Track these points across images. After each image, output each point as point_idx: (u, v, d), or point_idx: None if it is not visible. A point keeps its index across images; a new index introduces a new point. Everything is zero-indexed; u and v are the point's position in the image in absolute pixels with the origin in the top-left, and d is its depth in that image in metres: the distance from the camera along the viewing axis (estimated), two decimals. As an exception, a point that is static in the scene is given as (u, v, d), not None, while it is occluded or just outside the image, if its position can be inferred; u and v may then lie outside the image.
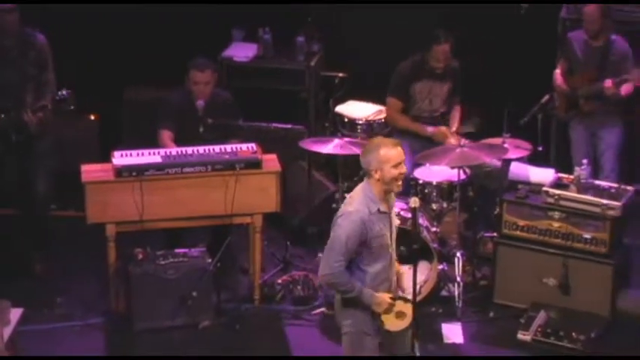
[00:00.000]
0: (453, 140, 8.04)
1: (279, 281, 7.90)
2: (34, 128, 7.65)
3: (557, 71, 8.39)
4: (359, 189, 5.85)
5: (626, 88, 8.01)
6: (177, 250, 7.55)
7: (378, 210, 5.75)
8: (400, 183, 5.78)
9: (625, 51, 8.14)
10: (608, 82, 8.00)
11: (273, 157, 7.72)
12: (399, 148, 5.74)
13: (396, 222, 6.00)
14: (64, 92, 7.57)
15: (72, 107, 7.62)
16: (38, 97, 7.72)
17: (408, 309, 5.91)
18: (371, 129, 8.67)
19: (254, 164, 7.51)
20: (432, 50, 8.12)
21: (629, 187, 7.60)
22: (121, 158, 7.42)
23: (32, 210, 8.01)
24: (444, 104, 8.36)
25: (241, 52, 9.30)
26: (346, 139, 8.04)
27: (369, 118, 8.73)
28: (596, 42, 8.20)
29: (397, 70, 8.29)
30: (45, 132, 7.78)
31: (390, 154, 5.70)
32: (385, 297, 5.85)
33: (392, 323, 5.93)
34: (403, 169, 5.75)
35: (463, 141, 7.80)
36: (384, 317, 5.90)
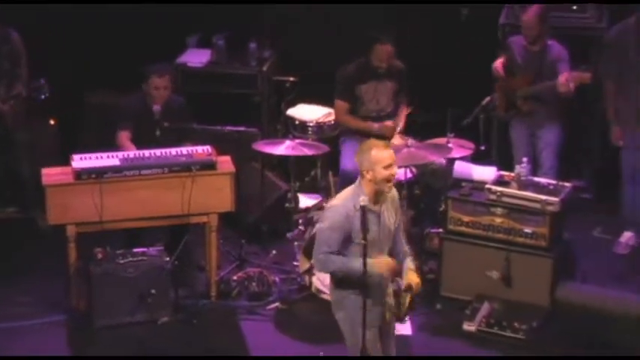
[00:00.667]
0: (398, 140, 8.11)
1: (235, 278, 7.94)
2: (9, 118, 7.79)
3: (499, 61, 8.46)
4: (351, 186, 5.95)
5: (573, 86, 8.07)
6: (136, 250, 7.59)
7: (357, 208, 5.80)
8: (391, 184, 5.85)
9: (561, 55, 8.30)
10: (562, 78, 8.03)
11: (227, 158, 7.78)
12: (391, 151, 5.83)
13: (390, 222, 6.01)
14: (42, 80, 7.70)
15: (46, 95, 7.74)
16: (10, 90, 7.87)
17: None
18: (321, 131, 8.77)
19: (209, 166, 7.57)
20: (374, 50, 8.22)
21: (567, 184, 7.71)
22: (81, 161, 7.47)
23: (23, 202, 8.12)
24: (391, 103, 8.43)
25: (196, 57, 9.39)
26: (297, 140, 8.11)
27: (319, 120, 8.80)
28: (534, 47, 8.36)
29: (341, 74, 8.38)
30: (20, 123, 7.91)
31: (380, 155, 5.79)
32: (382, 259, 5.88)
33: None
34: (394, 170, 5.82)
35: (409, 141, 7.90)
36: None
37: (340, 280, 6.02)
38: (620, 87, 8.15)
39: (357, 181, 5.93)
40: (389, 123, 8.31)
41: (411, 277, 6.04)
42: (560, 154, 8.57)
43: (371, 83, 8.37)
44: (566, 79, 8.03)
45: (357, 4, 9.31)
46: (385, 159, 5.79)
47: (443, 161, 8.12)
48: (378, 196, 5.90)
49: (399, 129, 8.42)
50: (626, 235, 8.47)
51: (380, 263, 5.87)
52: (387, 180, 5.83)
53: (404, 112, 8.54)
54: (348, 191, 5.94)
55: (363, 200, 5.77)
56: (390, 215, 5.99)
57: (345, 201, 5.86)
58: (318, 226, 5.95)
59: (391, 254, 6.09)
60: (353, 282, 5.93)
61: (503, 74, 8.43)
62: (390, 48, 8.24)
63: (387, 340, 6.22)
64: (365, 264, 5.78)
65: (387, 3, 9.25)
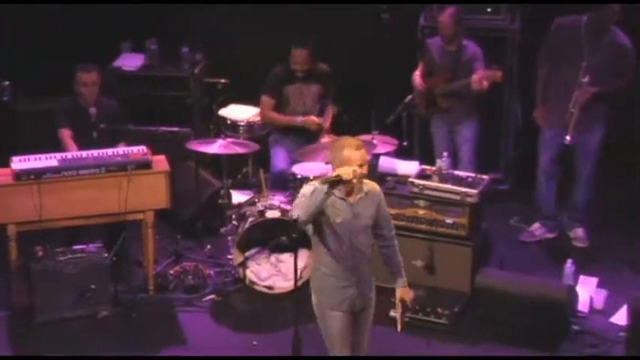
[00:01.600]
0: (326, 139, 8.22)
1: (172, 272, 8.00)
2: None
3: (417, 72, 8.64)
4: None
5: (486, 83, 8.30)
6: (75, 247, 7.62)
7: (333, 193, 5.85)
8: (357, 183, 5.86)
9: (476, 54, 8.51)
10: (475, 77, 8.24)
11: (162, 158, 7.82)
12: (362, 151, 5.85)
13: (366, 215, 5.99)
14: (6, 82, 7.66)
15: (8, 97, 7.72)
16: None
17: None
18: (251, 130, 8.82)
19: (144, 165, 7.63)
20: (291, 54, 8.35)
21: (485, 176, 7.89)
22: (20, 163, 7.48)
23: None
24: (316, 106, 8.51)
25: (130, 62, 9.43)
26: (229, 139, 8.18)
27: (250, 120, 8.84)
28: (451, 47, 8.55)
29: (271, 72, 8.48)
30: None
31: (352, 155, 5.81)
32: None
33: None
34: (364, 170, 5.83)
35: (335, 138, 7.78)
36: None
37: (315, 257, 6.13)
38: (554, 74, 8.29)
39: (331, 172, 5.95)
40: (313, 117, 8.40)
41: (402, 293, 6.27)
42: (477, 148, 8.73)
43: (297, 85, 8.46)
44: (479, 78, 8.25)
45: (285, 4, 9.41)
46: (356, 159, 5.82)
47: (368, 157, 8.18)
48: (349, 190, 5.93)
49: (325, 128, 8.50)
50: (535, 226, 8.73)
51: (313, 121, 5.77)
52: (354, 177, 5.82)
53: (330, 113, 8.64)
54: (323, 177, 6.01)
55: (339, 190, 5.86)
56: (367, 209, 6.00)
57: (318, 182, 5.90)
58: (295, 202, 6.01)
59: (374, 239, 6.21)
60: (324, 260, 6.04)
61: (422, 86, 8.59)
62: (305, 52, 8.34)
63: (360, 331, 6.23)
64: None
65: (313, 3, 9.38)
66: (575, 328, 7.48)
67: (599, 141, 8.35)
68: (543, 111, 8.39)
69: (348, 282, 6.08)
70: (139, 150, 7.76)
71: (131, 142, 7.92)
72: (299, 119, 8.41)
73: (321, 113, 8.61)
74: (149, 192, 7.68)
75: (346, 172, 5.79)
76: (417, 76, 8.68)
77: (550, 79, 8.33)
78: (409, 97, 8.64)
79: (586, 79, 8.05)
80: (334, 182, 5.82)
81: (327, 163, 7.84)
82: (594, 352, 7.26)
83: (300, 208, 5.89)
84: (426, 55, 8.73)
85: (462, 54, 8.55)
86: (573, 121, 8.09)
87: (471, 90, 8.37)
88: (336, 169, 5.88)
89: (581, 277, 7.93)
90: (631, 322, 7.15)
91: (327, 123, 8.63)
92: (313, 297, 6.20)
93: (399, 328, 6.30)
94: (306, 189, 5.93)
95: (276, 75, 8.50)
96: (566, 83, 8.15)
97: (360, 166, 5.85)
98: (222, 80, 9.20)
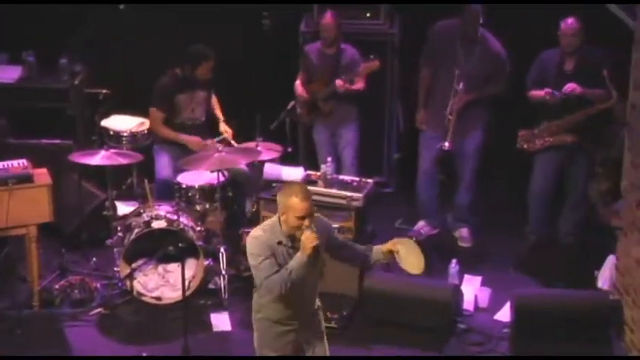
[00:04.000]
0: (208, 146, 8.19)
1: (57, 286, 7.90)
2: None
3: (298, 82, 8.68)
4: (271, 220, 5.82)
5: (357, 84, 8.41)
6: None
7: (279, 242, 5.73)
8: (300, 233, 5.67)
9: (354, 57, 8.60)
10: (338, 82, 8.38)
11: (43, 171, 7.74)
12: (308, 204, 5.64)
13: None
14: None
15: None
16: None
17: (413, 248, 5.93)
18: (135, 140, 8.69)
19: (25, 179, 7.54)
20: (200, 66, 8.28)
21: (369, 180, 8.00)
22: None
23: None
24: (204, 113, 8.50)
25: (6, 74, 9.28)
26: (112, 150, 8.11)
27: (133, 130, 8.72)
28: (330, 50, 8.63)
29: (159, 84, 8.37)
30: None
31: (297, 205, 5.62)
32: (303, 240, 5.60)
33: (410, 263, 5.95)
34: (306, 222, 5.62)
35: (221, 146, 8.02)
36: (403, 261, 5.89)
37: (257, 306, 5.99)
38: (435, 78, 8.41)
39: (277, 216, 5.81)
40: (199, 140, 8.34)
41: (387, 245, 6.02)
42: (359, 150, 8.81)
43: (187, 93, 8.42)
44: (340, 83, 8.37)
45: (165, 11, 9.41)
46: (300, 210, 5.64)
47: (244, 167, 8.24)
48: (294, 236, 5.77)
49: (222, 118, 8.50)
50: (420, 224, 8.85)
51: (304, 242, 5.61)
52: (298, 228, 5.66)
53: (217, 104, 8.66)
54: (267, 224, 5.83)
55: (283, 240, 5.75)
56: (322, 244, 5.80)
57: (266, 233, 5.77)
58: (250, 263, 5.80)
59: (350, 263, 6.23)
60: (268, 309, 5.92)
61: (304, 94, 8.64)
62: (213, 63, 8.34)
63: None
64: (296, 257, 5.68)
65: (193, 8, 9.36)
66: (462, 326, 7.60)
67: (479, 146, 8.49)
68: (424, 114, 8.50)
69: (292, 326, 6.00)
70: (19, 164, 7.67)
71: (12, 156, 7.80)
72: (184, 138, 8.36)
73: (207, 121, 8.61)
74: (31, 206, 7.60)
75: (307, 246, 5.65)
76: (298, 85, 8.72)
77: (431, 83, 8.44)
78: (292, 103, 8.70)
79: (460, 87, 8.17)
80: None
81: (211, 171, 7.87)
82: (480, 350, 7.37)
83: (273, 282, 5.73)
84: (305, 61, 8.78)
85: (341, 57, 8.63)
86: (451, 127, 8.20)
87: (350, 93, 8.46)
88: (281, 213, 5.73)
89: (466, 276, 8.07)
90: (514, 319, 7.29)
91: (218, 111, 8.64)
92: (255, 335, 6.09)
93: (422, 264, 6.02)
94: (256, 248, 5.75)
95: (164, 86, 8.42)
96: (444, 89, 8.28)
97: (302, 218, 5.67)
98: (104, 91, 9.18)
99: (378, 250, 6.10)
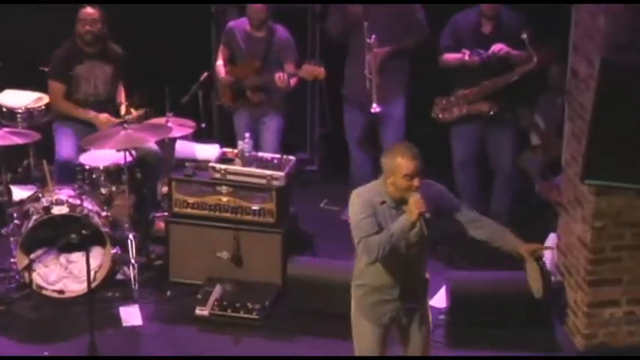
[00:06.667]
0: (123, 110, 8.07)
1: None
2: None
3: (220, 62, 8.40)
4: (376, 181, 5.76)
5: (294, 81, 8.18)
6: None
7: (383, 202, 5.65)
8: (409, 196, 5.59)
9: (287, 40, 8.29)
10: (279, 77, 8.08)
11: None
12: (416, 162, 5.57)
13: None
14: None
15: None
16: None
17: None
18: (31, 117, 8.51)
19: None
20: (79, 22, 8.05)
21: (291, 157, 7.82)
22: None
23: None
24: (108, 88, 8.28)
25: None
26: (6, 129, 7.88)
27: (29, 106, 8.54)
28: (259, 33, 8.29)
29: (55, 54, 8.18)
30: None
31: (402, 165, 5.57)
32: (410, 204, 5.54)
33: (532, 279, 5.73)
34: (416, 182, 5.56)
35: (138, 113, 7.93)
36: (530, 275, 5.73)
37: (357, 271, 5.89)
38: (349, 43, 8.28)
39: (382, 178, 5.72)
40: (103, 116, 8.14)
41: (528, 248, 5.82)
42: (281, 141, 8.54)
43: (87, 64, 8.19)
44: (281, 77, 8.09)
45: None
46: (406, 168, 5.57)
47: (154, 145, 8.07)
48: (401, 200, 5.67)
49: (125, 103, 8.29)
50: None
51: (411, 206, 5.54)
52: (408, 189, 5.58)
53: (122, 90, 8.41)
54: (373, 184, 5.78)
55: (387, 201, 5.66)
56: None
57: (369, 193, 5.71)
58: (351, 223, 5.71)
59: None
60: (368, 274, 5.80)
61: (227, 78, 8.39)
62: (96, 13, 8.05)
63: (410, 348, 5.98)
64: (401, 220, 5.57)
65: None
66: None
67: (403, 112, 8.36)
68: (346, 83, 8.39)
69: (392, 296, 5.85)
70: None
71: None
72: (91, 114, 8.17)
73: (112, 98, 8.36)
74: None
75: (413, 211, 5.56)
76: (220, 66, 8.44)
77: (346, 49, 8.31)
78: (205, 74, 8.42)
79: (372, 40, 7.99)
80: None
81: (117, 150, 7.72)
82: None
83: (370, 245, 5.64)
84: (229, 41, 8.46)
85: (272, 41, 8.33)
86: (374, 86, 8.06)
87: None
88: (387, 176, 5.66)
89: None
90: (450, 305, 7.29)
91: (121, 97, 8.40)
92: (352, 305, 6.02)
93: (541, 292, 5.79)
94: (357, 204, 5.69)
95: (61, 56, 8.21)
96: (357, 50, 8.14)
97: (411, 177, 5.58)
98: (-6, 63, 8.95)
99: (511, 241, 5.86)
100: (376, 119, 8.25)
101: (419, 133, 8.20)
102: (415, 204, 5.53)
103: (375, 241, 5.59)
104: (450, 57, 8.00)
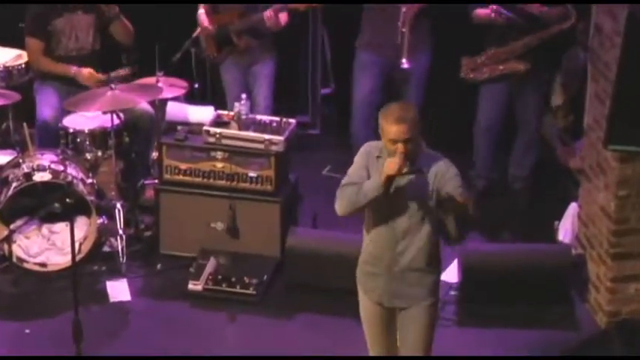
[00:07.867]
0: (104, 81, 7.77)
1: None
2: None
3: (202, 11, 8.16)
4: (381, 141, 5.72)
5: (284, 17, 7.97)
6: None
7: (379, 156, 5.59)
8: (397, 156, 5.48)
9: None
10: (268, 14, 7.90)
11: None
12: (398, 127, 5.43)
13: (422, 191, 5.55)
14: None
15: None
16: None
17: None
18: (10, 77, 8.27)
19: None
20: None
21: (291, 120, 7.65)
22: None
23: None
24: (91, 41, 8.04)
25: None
26: None
27: (7, 65, 8.29)
28: None
29: (30, 9, 7.93)
30: None
31: (386, 128, 5.48)
32: (387, 161, 5.46)
33: None
34: (400, 148, 5.43)
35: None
36: None
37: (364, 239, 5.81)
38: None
39: None
40: (87, 70, 7.92)
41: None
42: (274, 89, 8.41)
43: (66, 16, 7.94)
44: (273, 13, 7.88)
45: None
46: (389, 133, 5.48)
47: (146, 105, 7.90)
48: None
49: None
50: None
51: (384, 167, 5.46)
52: (394, 152, 5.47)
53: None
54: (376, 142, 5.73)
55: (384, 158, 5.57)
56: (415, 186, 5.53)
57: (373, 146, 5.66)
58: None
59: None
60: (365, 238, 5.73)
61: (211, 26, 8.10)
62: None
63: (402, 336, 5.75)
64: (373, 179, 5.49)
65: None
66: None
67: (427, 69, 8.17)
68: (368, 34, 8.12)
69: (377, 269, 5.72)
70: None
71: None
72: (73, 70, 7.96)
73: (99, 50, 8.11)
74: None
75: (383, 172, 5.47)
76: (202, 15, 8.17)
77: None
78: (198, 29, 8.19)
79: None
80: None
81: (104, 112, 7.60)
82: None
83: (342, 194, 5.60)
84: None
85: None
86: (406, 41, 7.87)
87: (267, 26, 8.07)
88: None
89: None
90: (462, 279, 7.15)
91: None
92: None
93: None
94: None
95: (35, 11, 7.96)
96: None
97: (395, 142, 5.46)
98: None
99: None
100: (397, 76, 8.06)
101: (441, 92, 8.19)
102: (387, 164, 5.46)
103: (346, 193, 5.58)
104: (481, 12, 7.80)
